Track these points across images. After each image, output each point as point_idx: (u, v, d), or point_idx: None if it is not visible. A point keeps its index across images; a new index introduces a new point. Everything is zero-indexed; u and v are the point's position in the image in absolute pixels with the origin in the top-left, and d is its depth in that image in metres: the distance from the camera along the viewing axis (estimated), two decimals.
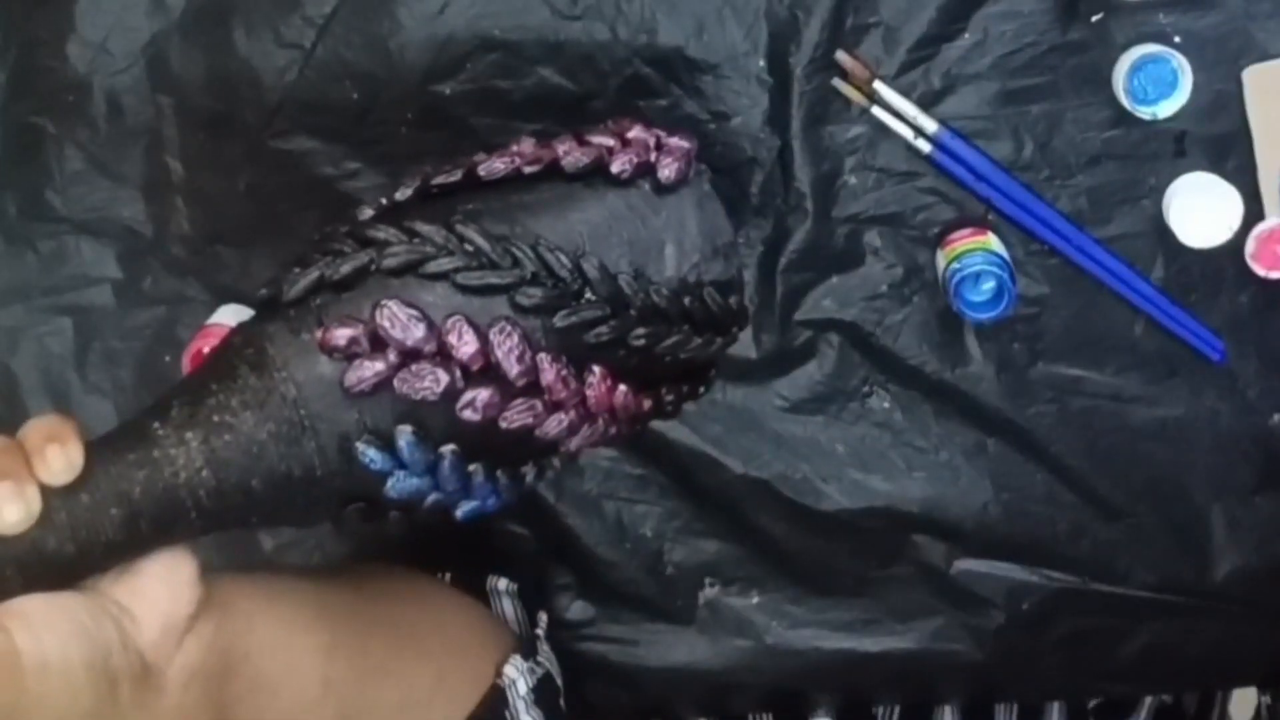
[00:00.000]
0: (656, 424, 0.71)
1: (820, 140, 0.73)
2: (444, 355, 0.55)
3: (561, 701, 0.72)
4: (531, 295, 0.56)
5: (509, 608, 0.76)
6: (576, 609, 0.80)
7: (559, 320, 0.57)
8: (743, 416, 0.76)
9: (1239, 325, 0.73)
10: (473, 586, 0.75)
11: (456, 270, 0.55)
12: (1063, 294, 0.74)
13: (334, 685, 0.59)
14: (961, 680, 0.79)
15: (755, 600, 0.79)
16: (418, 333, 0.54)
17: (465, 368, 0.55)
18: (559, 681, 0.73)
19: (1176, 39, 0.70)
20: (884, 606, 0.78)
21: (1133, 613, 0.77)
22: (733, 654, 0.80)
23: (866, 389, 0.76)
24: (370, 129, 0.74)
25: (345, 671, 0.60)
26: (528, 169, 0.59)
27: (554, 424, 0.57)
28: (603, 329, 0.58)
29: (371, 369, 0.53)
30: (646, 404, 0.61)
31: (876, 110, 0.71)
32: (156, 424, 0.51)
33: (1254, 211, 0.70)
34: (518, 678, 0.69)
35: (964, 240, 0.71)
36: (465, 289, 0.55)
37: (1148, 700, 0.85)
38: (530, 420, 0.56)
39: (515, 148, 0.61)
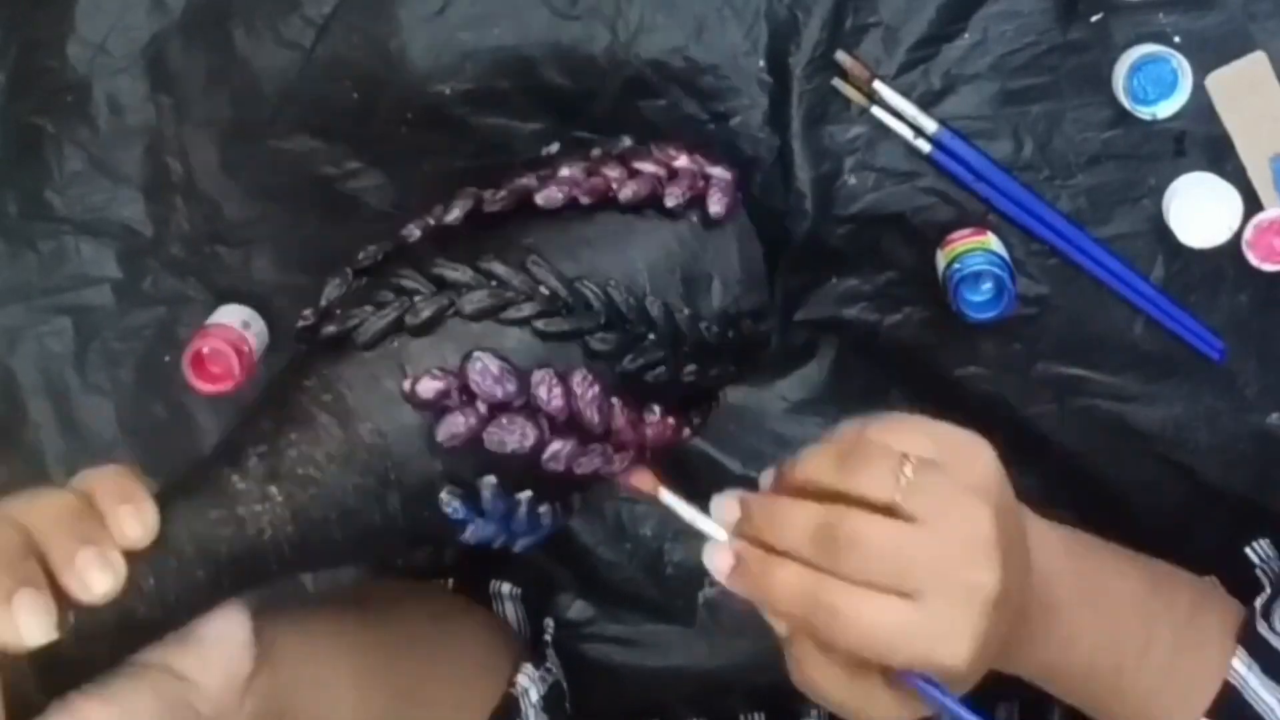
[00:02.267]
0: None
1: (820, 140, 0.73)
2: (531, 408, 0.54)
3: (567, 704, 0.72)
4: (605, 341, 0.56)
5: (512, 611, 0.76)
6: (576, 609, 0.80)
7: (626, 363, 0.56)
8: (744, 416, 0.76)
9: (1239, 324, 0.73)
10: (475, 592, 0.75)
11: (536, 316, 0.54)
12: (1063, 294, 0.74)
13: (365, 712, 0.59)
14: None
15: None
16: (510, 387, 0.53)
17: (551, 420, 0.55)
18: (564, 686, 0.73)
19: (1176, 39, 0.70)
20: None
21: None
22: (732, 654, 0.80)
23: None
24: (370, 129, 0.74)
25: (375, 697, 0.60)
26: (584, 199, 0.58)
27: (618, 463, 0.57)
28: (662, 370, 0.58)
29: (464, 423, 0.53)
30: (685, 431, 0.61)
31: (876, 110, 0.71)
32: (235, 477, 0.49)
33: (1253, 210, 0.70)
34: (530, 686, 0.69)
35: (964, 240, 0.71)
36: (544, 335, 0.55)
37: None
38: (600, 464, 0.57)
39: (566, 172, 0.60)
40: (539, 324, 0.54)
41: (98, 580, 0.43)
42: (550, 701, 0.70)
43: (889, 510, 0.50)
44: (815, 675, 0.52)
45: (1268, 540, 0.71)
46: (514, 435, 0.54)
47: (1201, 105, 0.71)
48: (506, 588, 0.76)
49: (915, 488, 0.50)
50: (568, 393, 0.55)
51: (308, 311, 0.57)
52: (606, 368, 0.56)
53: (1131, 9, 0.70)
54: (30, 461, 0.79)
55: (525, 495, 0.55)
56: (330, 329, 0.54)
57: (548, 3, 0.71)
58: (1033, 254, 0.73)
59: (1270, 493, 0.75)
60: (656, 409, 0.58)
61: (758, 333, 0.62)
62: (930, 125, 0.71)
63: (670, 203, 0.59)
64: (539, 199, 0.58)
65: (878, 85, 0.71)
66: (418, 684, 0.63)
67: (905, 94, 0.71)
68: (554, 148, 0.72)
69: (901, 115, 0.71)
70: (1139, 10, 0.70)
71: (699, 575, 0.79)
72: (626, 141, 0.64)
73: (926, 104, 0.72)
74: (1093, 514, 0.76)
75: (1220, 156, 0.71)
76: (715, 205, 0.60)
